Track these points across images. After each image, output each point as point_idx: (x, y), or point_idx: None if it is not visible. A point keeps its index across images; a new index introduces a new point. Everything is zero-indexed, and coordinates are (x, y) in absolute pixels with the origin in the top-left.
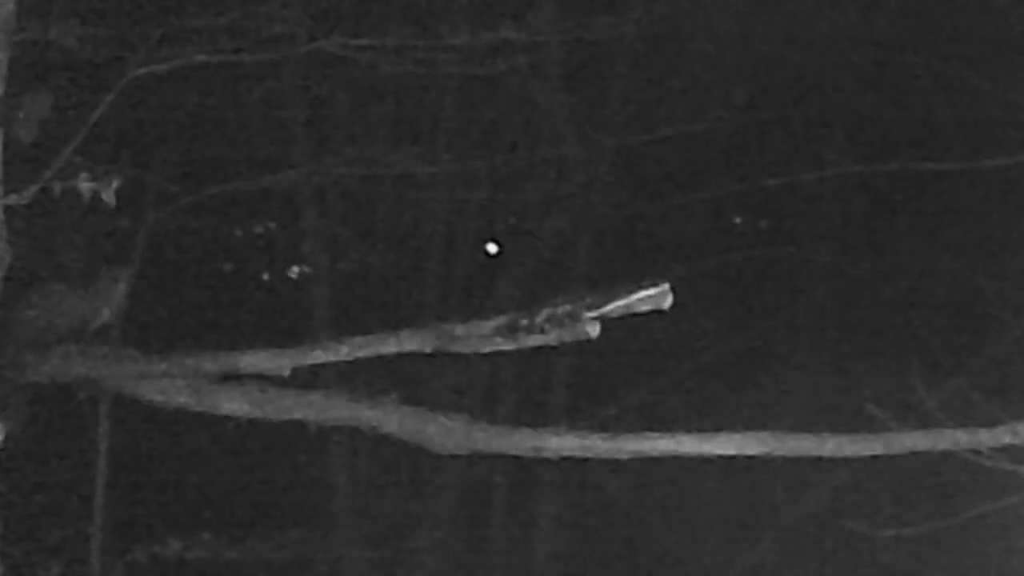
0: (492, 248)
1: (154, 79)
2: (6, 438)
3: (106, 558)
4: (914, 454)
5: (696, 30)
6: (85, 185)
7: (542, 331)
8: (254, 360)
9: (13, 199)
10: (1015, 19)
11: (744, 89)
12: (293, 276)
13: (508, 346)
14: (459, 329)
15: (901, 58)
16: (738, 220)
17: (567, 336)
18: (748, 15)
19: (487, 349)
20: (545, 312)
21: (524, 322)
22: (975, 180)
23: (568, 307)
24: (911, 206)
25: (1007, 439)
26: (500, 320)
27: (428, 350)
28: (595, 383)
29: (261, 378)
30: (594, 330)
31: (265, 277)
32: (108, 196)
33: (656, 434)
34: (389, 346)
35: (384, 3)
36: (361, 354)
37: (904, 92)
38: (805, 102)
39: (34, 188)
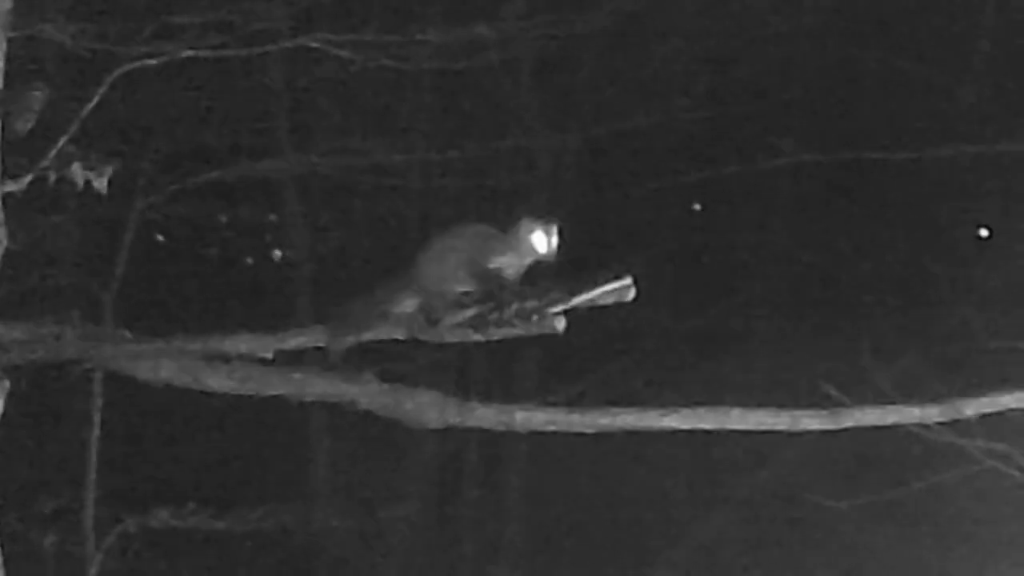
0: None
1: (144, 73)
2: (4, 413)
3: (99, 527)
4: (866, 429)
5: (658, 28)
6: (79, 174)
7: (511, 325)
8: (239, 343)
9: (10, 187)
10: (959, 17)
11: (704, 83)
12: (276, 260)
13: (478, 337)
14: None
15: (853, 54)
16: (698, 207)
17: (534, 329)
18: (708, 14)
19: (458, 339)
20: (514, 307)
21: (494, 316)
22: (922, 169)
23: (535, 302)
24: (862, 194)
25: (953, 414)
26: (471, 313)
27: (402, 338)
28: (563, 362)
29: (246, 356)
30: (560, 324)
31: (249, 261)
32: (100, 184)
33: (620, 410)
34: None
35: (363, 1)
36: None
37: (856, 86)
38: (762, 95)
39: (30, 176)
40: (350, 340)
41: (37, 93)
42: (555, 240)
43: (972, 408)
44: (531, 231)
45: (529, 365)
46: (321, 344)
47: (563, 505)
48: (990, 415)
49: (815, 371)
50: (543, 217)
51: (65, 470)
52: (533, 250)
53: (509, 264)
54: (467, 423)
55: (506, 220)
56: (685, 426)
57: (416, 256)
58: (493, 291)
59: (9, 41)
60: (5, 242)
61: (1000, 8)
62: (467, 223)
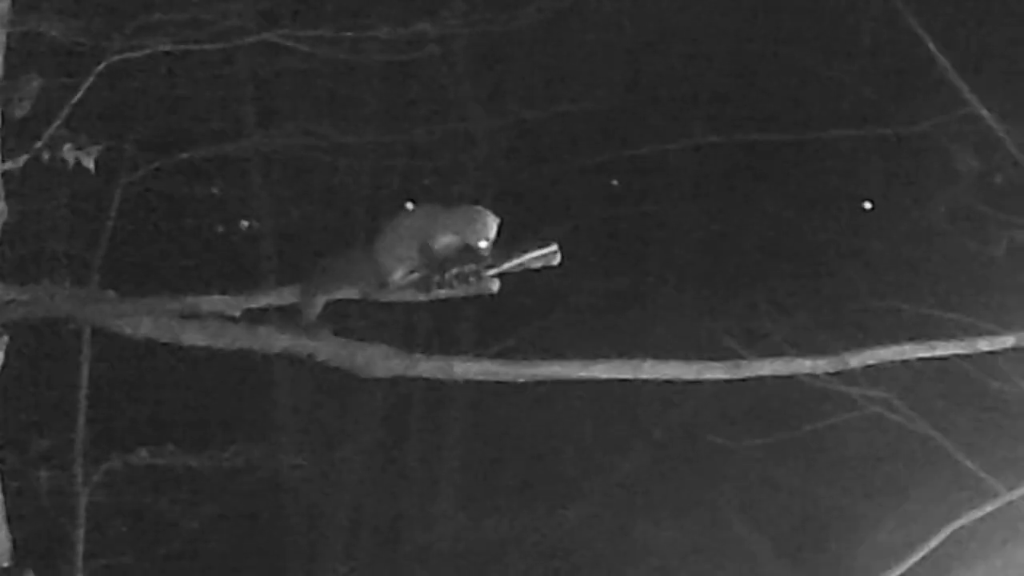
0: (410, 207)
1: (127, 64)
2: (5, 364)
3: (87, 465)
4: (763, 378)
5: (583, 23)
6: (69, 154)
7: (451, 286)
8: (212, 303)
9: (9, 165)
10: (845, 14)
11: (622, 73)
12: (243, 229)
13: (422, 298)
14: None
15: (752, 48)
16: (615, 183)
17: (472, 291)
18: (626, 12)
19: (405, 299)
20: (454, 271)
21: (436, 278)
22: (813, 149)
23: (473, 266)
24: (760, 171)
25: (840, 365)
26: (416, 276)
27: (356, 297)
28: (497, 319)
29: (217, 314)
30: (495, 285)
31: (220, 230)
32: (88, 163)
33: (547, 362)
34: None
35: (320, 1)
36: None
37: (755, 75)
38: (673, 84)
39: (26, 156)
40: (321, 300)
41: (33, 83)
42: (494, 233)
43: (857, 360)
44: (484, 224)
45: (467, 322)
46: (284, 304)
47: (497, 446)
48: (873, 366)
49: (719, 327)
50: (489, 212)
51: (57, 414)
52: (476, 238)
53: (453, 242)
54: (412, 373)
55: (447, 196)
56: (604, 376)
57: (368, 241)
58: (437, 260)
59: (7, 36)
60: (4, 214)
61: (881, 5)
62: (414, 208)
